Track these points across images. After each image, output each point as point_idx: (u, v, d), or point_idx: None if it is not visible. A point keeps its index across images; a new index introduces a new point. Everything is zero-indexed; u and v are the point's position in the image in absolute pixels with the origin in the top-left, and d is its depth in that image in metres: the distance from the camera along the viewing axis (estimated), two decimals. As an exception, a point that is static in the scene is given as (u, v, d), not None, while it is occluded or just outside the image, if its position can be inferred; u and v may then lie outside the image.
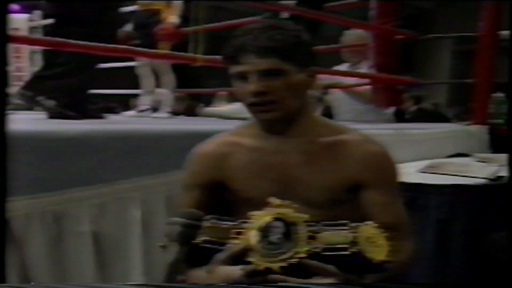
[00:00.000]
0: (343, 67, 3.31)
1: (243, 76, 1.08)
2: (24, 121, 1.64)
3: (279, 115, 1.09)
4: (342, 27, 3.36)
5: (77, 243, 1.39)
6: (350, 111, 3.16)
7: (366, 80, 3.24)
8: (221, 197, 1.19)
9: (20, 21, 4.41)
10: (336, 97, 3.32)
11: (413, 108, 4.61)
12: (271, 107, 1.08)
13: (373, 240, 0.98)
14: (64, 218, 1.38)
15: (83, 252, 1.40)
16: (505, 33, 2.97)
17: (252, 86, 1.07)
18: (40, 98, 2.26)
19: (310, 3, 2.72)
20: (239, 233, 1.01)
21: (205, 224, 1.02)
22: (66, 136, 1.42)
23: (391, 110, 3.37)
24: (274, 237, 0.99)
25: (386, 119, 3.26)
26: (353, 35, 3.27)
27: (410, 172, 2.05)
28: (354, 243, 0.98)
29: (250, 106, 1.10)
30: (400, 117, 3.67)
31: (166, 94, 3.38)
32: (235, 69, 1.09)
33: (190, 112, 5.30)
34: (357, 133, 1.19)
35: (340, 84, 3.17)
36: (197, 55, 2.48)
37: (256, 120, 1.15)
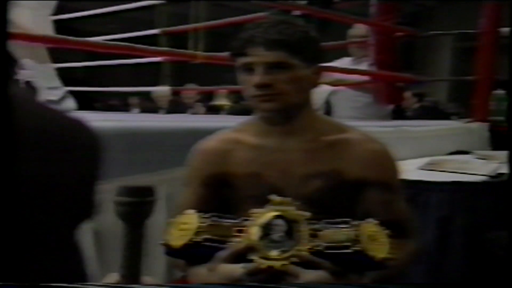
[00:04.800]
0: (345, 61, 3.31)
1: (249, 68, 1.09)
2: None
3: (280, 106, 1.10)
4: (343, 24, 3.36)
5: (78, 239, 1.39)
6: (349, 107, 3.17)
7: (367, 77, 3.24)
8: (222, 194, 1.19)
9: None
10: (335, 93, 3.31)
11: (416, 105, 4.61)
12: (274, 98, 1.09)
13: (374, 238, 0.98)
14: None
15: (84, 249, 1.40)
16: (505, 30, 2.97)
17: (257, 77, 1.07)
18: None
19: (320, 2, 2.72)
20: (240, 231, 1.01)
21: (206, 222, 1.02)
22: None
23: (390, 107, 3.38)
24: (276, 235, 0.98)
25: (385, 115, 3.26)
26: (361, 28, 3.26)
27: (411, 169, 2.05)
28: (356, 241, 0.98)
29: (253, 98, 1.10)
30: (400, 114, 3.67)
31: None
32: (242, 60, 1.10)
33: (174, 107, 5.31)
34: (358, 132, 1.19)
35: (342, 81, 3.17)
36: (197, 52, 2.48)
37: (258, 114, 1.16)
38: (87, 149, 0.75)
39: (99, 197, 0.79)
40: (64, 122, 0.73)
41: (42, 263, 0.68)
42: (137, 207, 0.93)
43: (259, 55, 1.07)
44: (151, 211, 0.99)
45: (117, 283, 0.79)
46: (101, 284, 1.02)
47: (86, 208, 0.78)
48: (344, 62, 3.28)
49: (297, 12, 2.71)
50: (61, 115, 0.74)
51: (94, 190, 0.77)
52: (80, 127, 0.75)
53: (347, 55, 3.33)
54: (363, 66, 3.24)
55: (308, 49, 1.11)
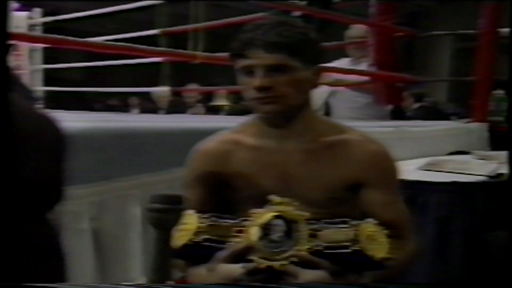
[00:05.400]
0: (343, 61, 3.31)
1: (249, 71, 1.09)
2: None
3: (281, 108, 1.10)
4: (342, 24, 3.37)
5: (77, 241, 1.39)
6: (348, 108, 3.17)
7: (367, 77, 3.25)
8: (222, 195, 1.19)
9: (19, 18, 4.41)
10: (334, 94, 3.32)
11: (415, 105, 4.59)
12: (274, 100, 1.09)
13: (373, 238, 0.99)
14: (64, 215, 1.38)
15: (83, 250, 1.40)
16: (504, 30, 2.97)
17: (257, 80, 1.07)
18: None
19: (320, 2, 2.72)
20: (240, 231, 1.01)
21: (206, 222, 1.02)
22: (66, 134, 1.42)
23: (389, 107, 3.38)
24: (275, 235, 0.99)
25: (383, 116, 3.27)
26: (359, 29, 3.27)
27: (410, 169, 2.05)
28: (355, 240, 0.98)
29: (254, 100, 1.10)
30: (399, 115, 3.67)
31: None
32: (241, 63, 1.09)
33: (173, 108, 5.31)
34: (357, 133, 1.19)
35: (341, 81, 3.18)
36: (197, 52, 2.48)
37: (258, 116, 1.16)
38: (52, 141, 0.80)
39: (65, 184, 0.83)
40: (31, 118, 0.76)
41: (16, 251, 0.71)
42: (168, 213, 0.94)
43: (259, 58, 1.07)
44: (179, 218, 1.01)
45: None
46: (101, 284, 1.03)
47: (54, 195, 0.82)
48: (343, 63, 3.29)
49: (297, 13, 2.71)
50: (29, 111, 0.77)
51: (61, 178, 0.83)
52: (46, 122, 0.79)
53: (346, 55, 3.34)
54: (362, 67, 3.24)
55: (308, 50, 1.10)
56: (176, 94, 5.29)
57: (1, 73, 0.71)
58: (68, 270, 0.86)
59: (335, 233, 0.99)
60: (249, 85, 1.09)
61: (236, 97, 5.26)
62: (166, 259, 0.93)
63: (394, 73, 3.33)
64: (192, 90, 5.59)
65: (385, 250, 0.98)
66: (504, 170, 1.94)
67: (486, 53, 3.10)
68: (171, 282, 1.19)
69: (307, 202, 1.06)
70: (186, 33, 2.82)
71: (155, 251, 0.98)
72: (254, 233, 0.99)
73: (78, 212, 1.40)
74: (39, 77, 4.79)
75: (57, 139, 0.82)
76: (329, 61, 3.21)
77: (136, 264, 1.50)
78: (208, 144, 1.22)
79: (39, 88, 4.60)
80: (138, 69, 4.46)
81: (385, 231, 1.01)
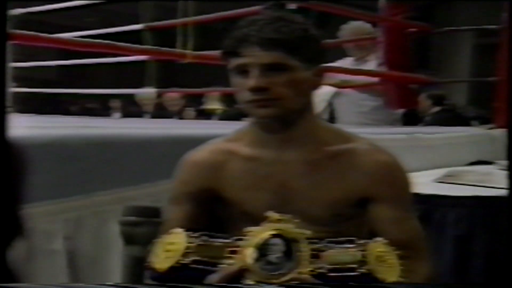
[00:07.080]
0: (346, 61, 3.33)
1: (243, 70, 1.09)
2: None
3: (279, 112, 1.10)
4: (349, 19, 3.39)
5: (49, 263, 1.39)
6: (354, 112, 3.18)
7: (375, 78, 3.26)
8: (214, 211, 1.19)
9: None
10: (338, 96, 3.33)
11: (435, 109, 4.57)
12: (271, 103, 1.09)
13: (383, 259, 0.99)
14: (35, 234, 1.37)
15: (56, 274, 1.40)
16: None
17: (252, 81, 1.08)
18: None
19: None
20: (233, 252, 1.01)
21: (195, 241, 1.03)
22: (38, 142, 1.42)
23: (400, 111, 3.39)
24: (273, 256, 0.99)
25: (394, 120, 3.28)
26: (351, 28, 3.29)
27: (425, 182, 2.06)
28: (363, 262, 0.98)
29: (249, 104, 1.11)
30: (413, 119, 3.68)
31: None
32: (235, 62, 1.10)
33: (160, 112, 5.34)
34: (365, 141, 1.20)
35: (348, 82, 3.19)
36: (186, 51, 2.49)
37: (254, 122, 1.16)
38: (12, 172, 0.81)
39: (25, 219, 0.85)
40: None
41: None
42: (142, 227, 0.94)
43: (254, 56, 1.07)
44: (155, 233, 1.01)
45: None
46: (99, 284, 1.03)
47: (14, 229, 0.83)
48: (346, 63, 3.31)
49: (293, 6, 2.73)
50: None
51: (19, 211, 0.84)
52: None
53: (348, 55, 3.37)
54: (369, 66, 3.26)
55: (308, 48, 1.11)
56: (162, 96, 5.30)
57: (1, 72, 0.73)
58: None
59: (341, 254, 1.00)
60: (243, 86, 1.10)
61: (230, 99, 5.26)
62: (139, 281, 0.93)
63: (407, 73, 3.34)
64: (181, 92, 5.59)
65: (397, 273, 0.99)
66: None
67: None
68: None
69: (309, 219, 1.06)
70: (174, 28, 2.83)
71: (126, 270, 0.98)
72: (249, 254, 1.00)
73: (50, 231, 1.40)
74: (8, 77, 4.79)
75: (16, 167, 0.84)
76: (332, 61, 3.22)
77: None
78: (198, 154, 1.23)
79: (8, 89, 4.60)
80: (120, 69, 4.47)
81: (397, 252, 1.01)
